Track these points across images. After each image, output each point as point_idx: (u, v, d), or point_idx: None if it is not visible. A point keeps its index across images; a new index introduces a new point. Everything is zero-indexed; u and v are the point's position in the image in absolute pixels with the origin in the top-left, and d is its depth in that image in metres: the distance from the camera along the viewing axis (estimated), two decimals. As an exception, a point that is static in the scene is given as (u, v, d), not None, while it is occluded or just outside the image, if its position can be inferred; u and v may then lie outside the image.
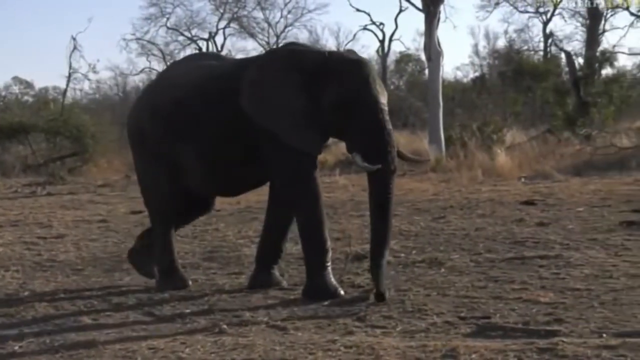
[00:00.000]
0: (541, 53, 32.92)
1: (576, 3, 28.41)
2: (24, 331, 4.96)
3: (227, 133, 5.70)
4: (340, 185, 12.23)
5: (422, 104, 23.80)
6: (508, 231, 8.05)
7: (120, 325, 5.05)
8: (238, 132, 5.64)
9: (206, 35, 35.93)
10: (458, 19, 52.59)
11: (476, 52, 37.31)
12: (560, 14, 33.68)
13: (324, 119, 5.46)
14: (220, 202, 7.64)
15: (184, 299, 5.71)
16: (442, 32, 30.24)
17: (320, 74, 5.46)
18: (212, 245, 7.90)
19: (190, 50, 34.36)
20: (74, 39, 27.28)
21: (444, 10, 19.19)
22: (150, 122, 6.02)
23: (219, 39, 35.74)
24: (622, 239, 7.29)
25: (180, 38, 35.92)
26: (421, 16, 18.70)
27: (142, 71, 35.95)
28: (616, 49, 29.01)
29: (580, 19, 32.00)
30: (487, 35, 37.76)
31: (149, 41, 35.18)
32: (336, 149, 15.18)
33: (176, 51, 35.35)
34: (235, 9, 35.55)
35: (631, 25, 30.77)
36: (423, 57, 23.47)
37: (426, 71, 21.42)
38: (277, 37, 35.96)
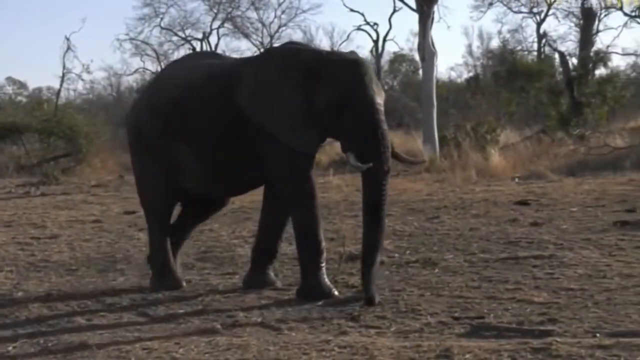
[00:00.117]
0: (535, 53, 32.95)
1: (569, 2, 28.49)
2: (18, 332, 4.95)
3: (225, 132, 5.67)
4: (334, 186, 12.21)
5: (416, 104, 23.79)
6: (502, 231, 8.06)
7: (114, 326, 5.04)
8: (236, 131, 5.62)
9: (200, 36, 35.92)
10: (452, 19, 52.51)
11: (470, 53, 37.36)
12: (554, 14, 33.85)
13: (321, 118, 5.45)
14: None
15: (178, 299, 5.70)
16: (436, 33, 30.41)
17: (317, 73, 5.45)
18: (206, 245, 7.88)
19: (184, 51, 34.35)
20: (68, 39, 27.34)
21: (437, 10, 19.25)
22: (149, 121, 6.00)
23: (212, 39, 35.72)
24: (616, 239, 7.30)
25: (174, 38, 35.90)
26: (415, 16, 18.77)
27: (136, 71, 35.95)
28: (610, 49, 29.25)
29: (574, 19, 32.09)
30: (480, 36, 37.76)
31: (142, 41, 35.18)
32: (330, 149, 15.16)
33: (170, 51, 35.39)
34: (229, 9, 35.51)
35: (625, 25, 30.79)
36: (417, 57, 23.59)
37: (420, 71, 21.41)
38: (271, 37, 35.92)
